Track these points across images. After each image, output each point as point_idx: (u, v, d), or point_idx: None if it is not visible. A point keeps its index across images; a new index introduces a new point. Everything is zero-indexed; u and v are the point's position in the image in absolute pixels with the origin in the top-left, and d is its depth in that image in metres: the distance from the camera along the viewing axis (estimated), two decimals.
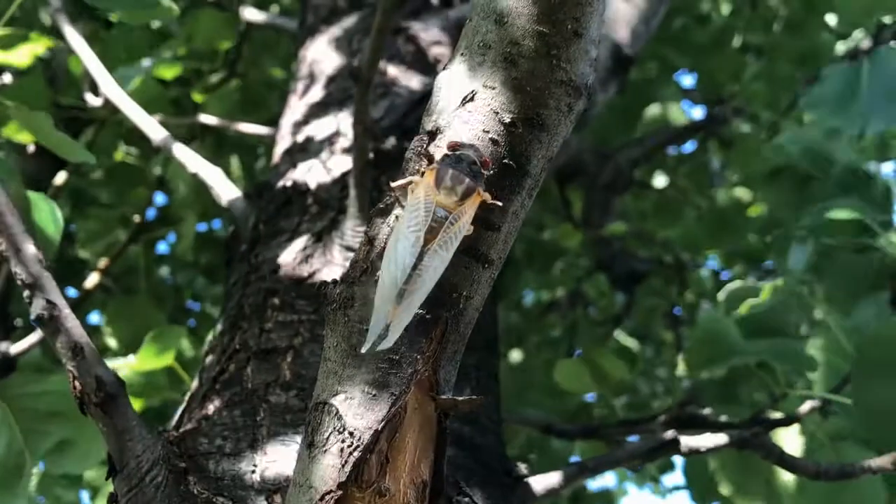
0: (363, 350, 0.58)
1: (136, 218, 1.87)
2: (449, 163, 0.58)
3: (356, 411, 0.61)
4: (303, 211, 1.08)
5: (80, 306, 2.03)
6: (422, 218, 0.58)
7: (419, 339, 0.62)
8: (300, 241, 1.02)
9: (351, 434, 0.60)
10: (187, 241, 1.89)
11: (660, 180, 2.70)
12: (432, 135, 0.62)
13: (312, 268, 0.99)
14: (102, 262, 1.80)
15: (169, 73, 1.85)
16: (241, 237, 1.16)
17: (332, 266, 0.98)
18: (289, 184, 1.13)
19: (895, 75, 1.48)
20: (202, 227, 2.50)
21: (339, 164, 1.14)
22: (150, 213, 2.49)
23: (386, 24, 0.94)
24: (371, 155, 1.11)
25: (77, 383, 0.84)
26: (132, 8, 0.85)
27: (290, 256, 1.01)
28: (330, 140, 1.19)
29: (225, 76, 1.90)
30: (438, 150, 0.62)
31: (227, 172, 2.02)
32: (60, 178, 2.03)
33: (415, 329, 0.61)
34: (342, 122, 1.22)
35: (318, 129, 1.22)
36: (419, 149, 0.62)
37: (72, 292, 2.57)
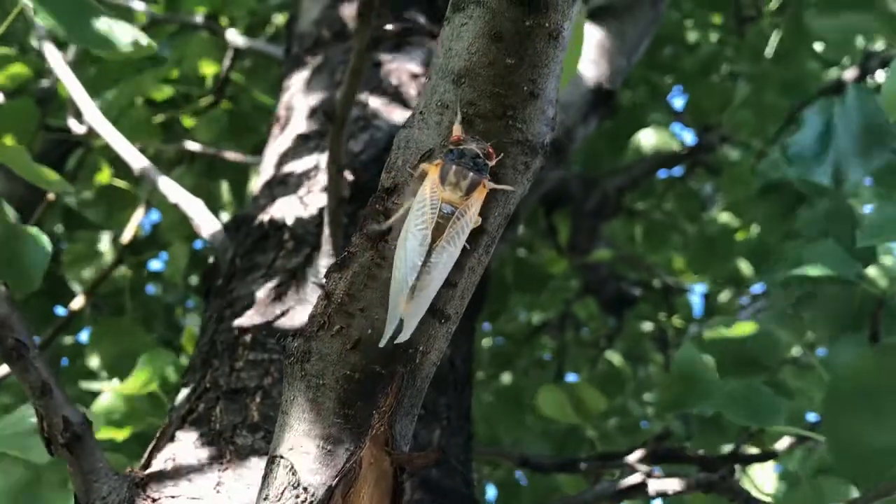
0: (381, 345, 0.59)
1: (123, 239, 1.88)
2: (452, 158, 0.59)
3: (311, 466, 0.62)
4: (279, 246, 1.08)
5: (69, 325, 2.03)
6: (428, 215, 0.59)
7: (375, 395, 0.62)
8: (275, 278, 1.03)
9: (305, 489, 0.61)
10: (175, 268, 1.90)
11: (650, 205, 2.71)
12: (390, 192, 0.63)
13: (286, 305, 0.99)
14: (87, 286, 1.81)
15: (158, 95, 1.86)
16: (220, 270, 1.16)
17: (305, 304, 0.99)
18: (266, 218, 1.14)
19: (865, 118, 1.47)
20: (198, 244, 2.50)
21: (318, 199, 1.15)
22: (144, 230, 2.50)
23: (361, 66, 0.95)
24: (348, 191, 1.12)
25: (44, 423, 0.85)
26: (105, 47, 0.85)
27: (263, 293, 1.01)
28: (309, 174, 1.19)
29: (213, 101, 1.91)
30: (396, 206, 0.63)
31: (217, 196, 2.04)
32: (50, 196, 2.03)
33: (371, 385, 0.62)
34: (323, 156, 1.22)
35: (299, 162, 1.23)
36: (377, 205, 0.63)
37: (61, 311, 2.58)
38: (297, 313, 0.98)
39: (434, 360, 0.65)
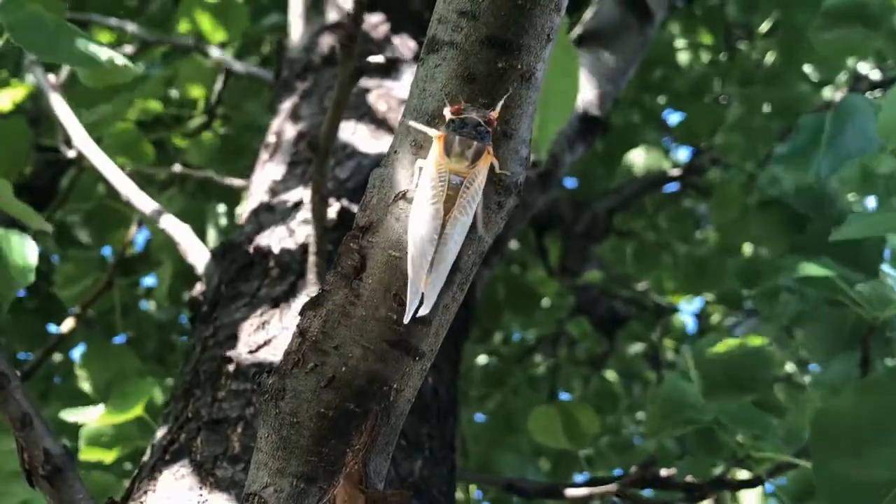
0: (405, 321, 0.59)
1: (113, 260, 1.88)
2: (454, 129, 0.59)
3: None
4: (264, 274, 1.09)
5: (59, 346, 2.03)
6: (438, 189, 0.60)
7: (349, 432, 0.62)
8: (259, 307, 1.03)
9: None
10: (163, 289, 1.90)
11: (641, 226, 2.71)
12: (365, 230, 0.63)
13: (269, 335, 0.99)
14: (77, 308, 1.81)
15: (145, 113, 1.87)
16: (206, 297, 1.17)
17: (288, 333, 0.99)
18: (252, 245, 1.14)
19: (854, 125, 1.49)
20: None
21: (304, 226, 1.15)
22: (137, 247, 2.50)
23: (344, 98, 0.95)
24: (333, 220, 1.12)
25: (25, 455, 0.85)
26: (82, 63, 0.85)
27: (247, 322, 1.02)
28: (296, 202, 1.20)
29: (205, 122, 1.91)
30: (371, 244, 0.63)
31: (208, 217, 2.04)
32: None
33: (345, 422, 0.62)
34: (310, 183, 1.23)
35: (286, 189, 1.24)
36: (352, 244, 0.63)
37: (53, 328, 2.58)
38: (281, 343, 0.98)
39: (408, 398, 0.65)
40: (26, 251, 1.04)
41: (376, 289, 0.62)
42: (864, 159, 1.57)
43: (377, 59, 0.95)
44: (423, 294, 0.59)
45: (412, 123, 0.62)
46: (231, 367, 0.97)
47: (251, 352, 0.98)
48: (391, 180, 0.63)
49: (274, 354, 0.97)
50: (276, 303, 1.03)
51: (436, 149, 0.60)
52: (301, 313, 0.64)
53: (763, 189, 1.81)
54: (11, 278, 1.02)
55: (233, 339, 1.00)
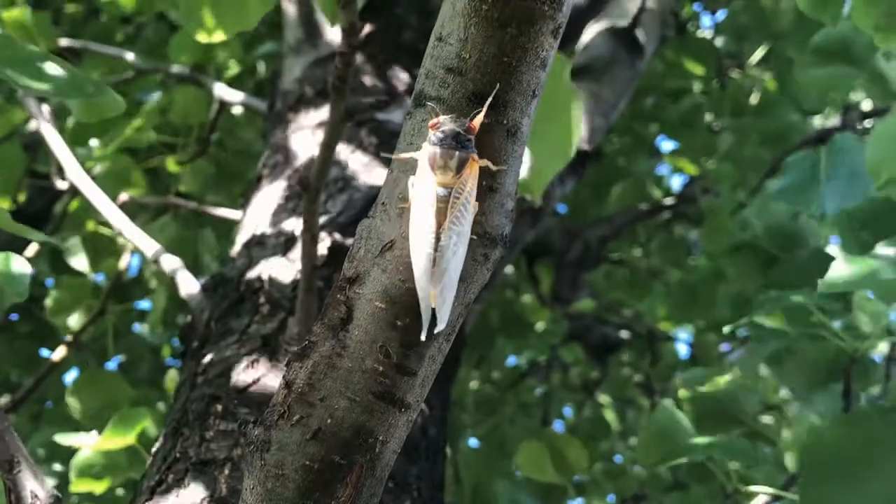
0: (422, 338, 0.59)
1: (106, 287, 1.88)
2: (434, 143, 0.59)
3: None
4: (254, 311, 1.09)
5: (51, 373, 2.03)
6: (427, 203, 0.60)
7: (334, 485, 0.62)
8: (248, 344, 1.03)
9: None
10: (157, 315, 1.90)
11: (634, 253, 2.72)
12: (352, 281, 0.64)
13: (258, 373, 0.99)
14: (69, 336, 1.81)
15: (139, 142, 1.88)
16: (196, 331, 1.17)
17: (276, 372, 0.99)
18: (243, 280, 1.14)
19: (850, 160, 1.51)
20: None
21: (295, 261, 1.16)
22: (131, 271, 2.50)
23: (335, 138, 0.96)
24: (325, 253, 1.13)
25: (12, 496, 0.85)
26: (74, 97, 0.85)
27: (236, 360, 1.02)
28: (288, 237, 1.20)
29: (199, 151, 1.92)
30: (358, 295, 0.63)
31: (201, 245, 2.04)
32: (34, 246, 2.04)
33: (330, 475, 0.62)
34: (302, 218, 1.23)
35: (278, 223, 1.24)
36: (339, 295, 0.64)
37: (46, 353, 2.58)
38: (269, 381, 0.98)
39: (394, 449, 0.65)
40: (16, 267, 1.03)
41: (363, 340, 0.62)
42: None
43: (368, 100, 0.96)
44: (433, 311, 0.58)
45: (400, 155, 0.63)
46: (219, 407, 0.97)
47: (240, 391, 0.98)
48: (378, 231, 0.64)
49: (262, 395, 0.97)
50: (266, 340, 1.03)
51: (422, 165, 0.61)
52: (287, 365, 0.64)
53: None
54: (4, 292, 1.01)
55: (221, 378, 1.00)
